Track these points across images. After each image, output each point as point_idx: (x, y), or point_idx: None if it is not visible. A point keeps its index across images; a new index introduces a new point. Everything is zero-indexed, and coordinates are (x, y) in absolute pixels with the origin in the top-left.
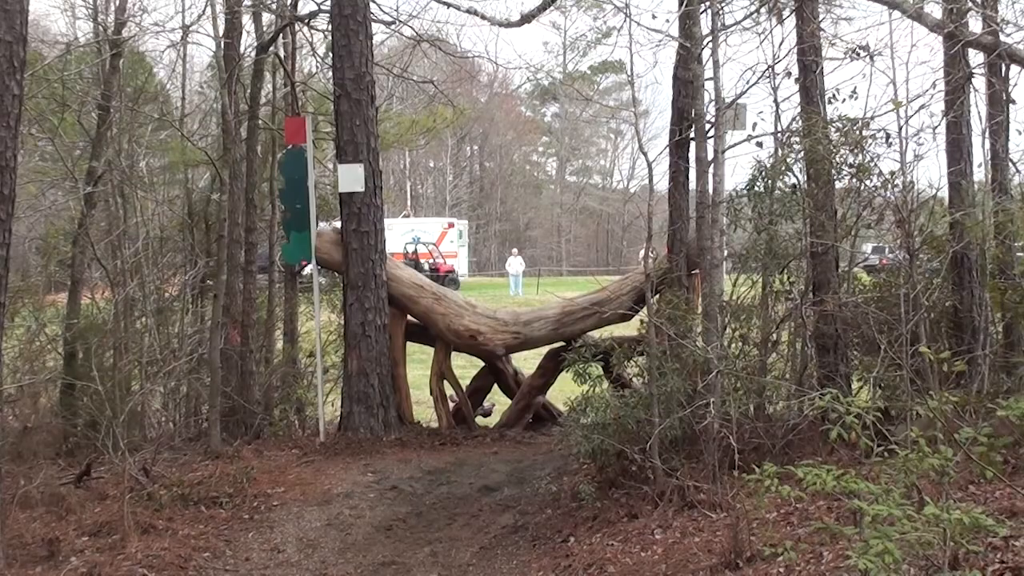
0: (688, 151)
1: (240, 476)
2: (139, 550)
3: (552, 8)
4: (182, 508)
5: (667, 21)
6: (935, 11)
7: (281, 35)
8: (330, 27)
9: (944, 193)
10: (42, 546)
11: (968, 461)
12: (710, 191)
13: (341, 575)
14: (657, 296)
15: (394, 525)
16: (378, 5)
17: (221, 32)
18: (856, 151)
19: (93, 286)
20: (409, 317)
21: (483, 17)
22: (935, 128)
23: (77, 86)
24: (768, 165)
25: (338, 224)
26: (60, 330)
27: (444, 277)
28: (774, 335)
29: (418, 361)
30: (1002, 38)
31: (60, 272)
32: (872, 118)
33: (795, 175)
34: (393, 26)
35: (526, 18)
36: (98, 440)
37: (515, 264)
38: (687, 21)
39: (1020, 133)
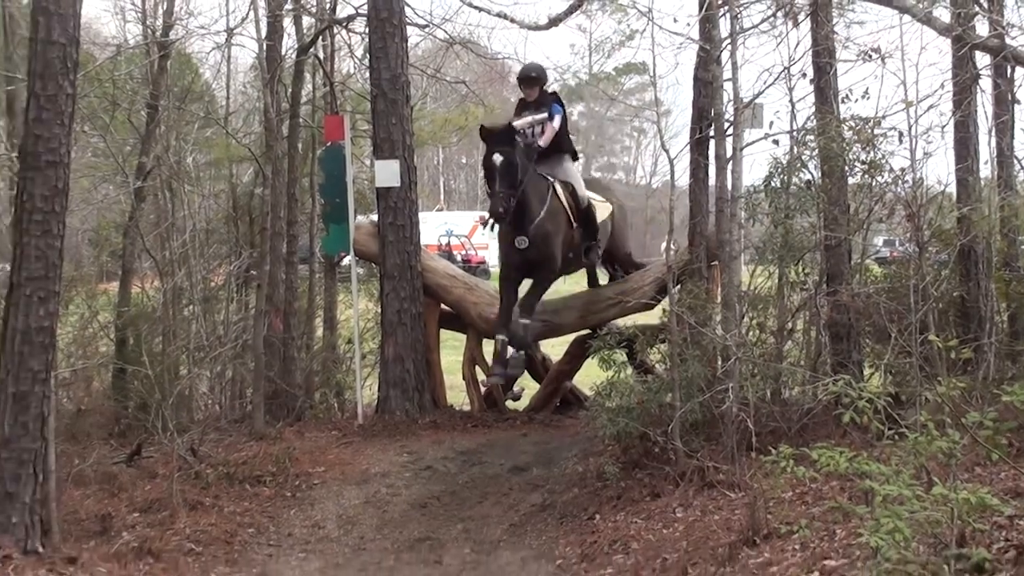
0: (708, 149)
1: (283, 456)
2: (187, 526)
3: (578, 12)
4: (228, 486)
5: (688, 24)
6: (944, 15)
7: (321, 38)
8: (367, 30)
9: (952, 189)
10: (96, 522)
11: (975, 444)
12: (729, 187)
13: (379, 550)
14: (678, 286)
15: (429, 503)
16: (413, 9)
17: (263, 35)
18: (868, 148)
19: (143, 276)
20: (442, 306)
21: (512, 20)
22: (943, 127)
23: (127, 86)
24: (784, 162)
25: (375, 217)
26: (112, 317)
27: (476, 268)
28: (790, 324)
29: (451, 348)
30: (1008, 41)
31: (112, 262)
32: (883, 117)
33: (810, 171)
34: (427, 29)
35: (553, 21)
36: (148, 422)
37: None
38: (707, 24)
39: None
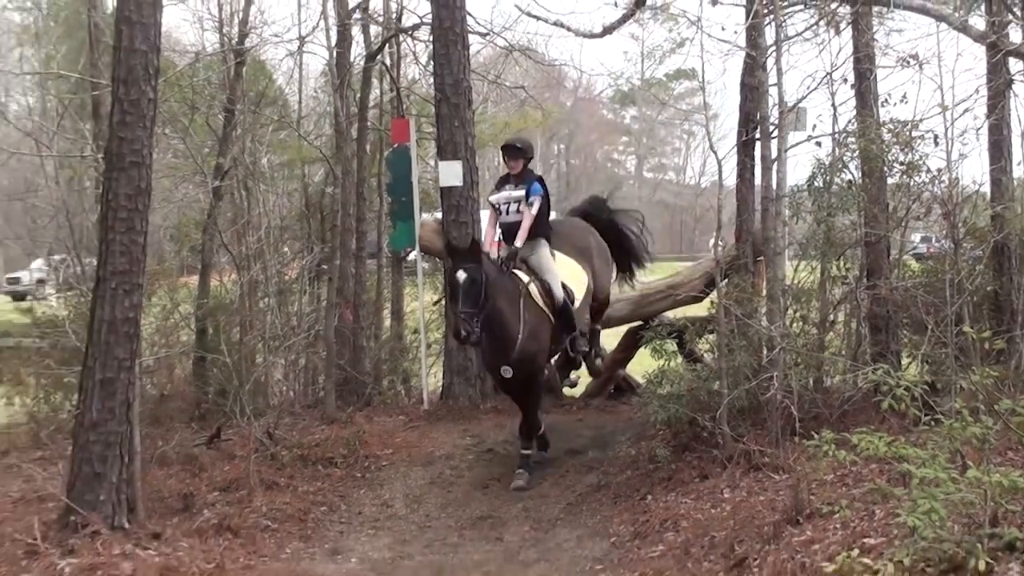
0: (754, 150)
1: (353, 439)
2: (264, 504)
3: (631, 21)
4: (302, 467)
5: (735, 32)
6: (979, 23)
7: (387, 45)
8: (431, 38)
9: (986, 188)
10: (178, 500)
11: (1007, 430)
12: (774, 186)
13: (443, 527)
14: (726, 280)
15: (490, 484)
16: (474, 18)
17: (333, 43)
18: (906, 150)
19: (221, 270)
20: None
21: (569, 29)
22: (978, 129)
23: (205, 91)
24: (826, 163)
25: (439, 215)
26: (192, 309)
27: None
28: (831, 316)
29: None
30: None
31: (192, 257)
32: (921, 120)
33: (851, 172)
34: (488, 37)
35: (607, 30)
36: (227, 406)
37: None
38: (753, 32)
39: None
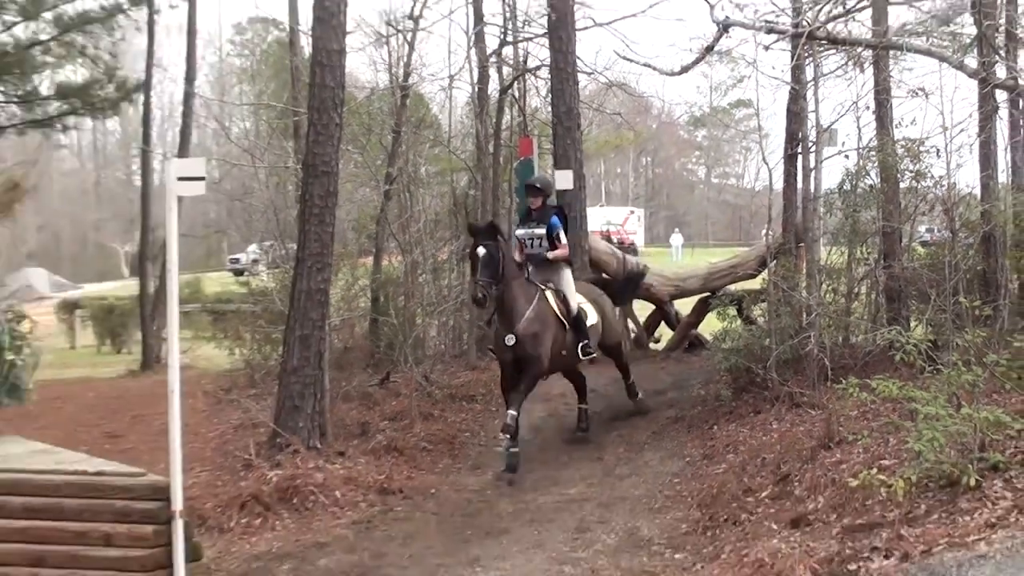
0: (797, 161)
1: (489, 381)
2: (422, 430)
3: (703, 62)
4: (450, 402)
5: (782, 71)
6: (972, 63)
7: (516, 82)
8: (550, 76)
9: (977, 191)
10: (357, 427)
11: (993, 377)
12: (812, 189)
13: (556, 449)
14: (775, 261)
15: (594, 415)
16: (582, 61)
17: (475, 80)
18: (915, 161)
19: (390, 252)
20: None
21: (655, 69)
22: (971, 145)
23: (378, 117)
24: (853, 171)
25: None
26: (368, 282)
27: (627, 247)
28: (856, 289)
29: None
30: (1020, 81)
31: (368, 243)
32: (926, 138)
33: (872, 178)
34: (592, 75)
35: (684, 69)
36: (394, 356)
37: (676, 239)
38: (796, 71)
39: None
